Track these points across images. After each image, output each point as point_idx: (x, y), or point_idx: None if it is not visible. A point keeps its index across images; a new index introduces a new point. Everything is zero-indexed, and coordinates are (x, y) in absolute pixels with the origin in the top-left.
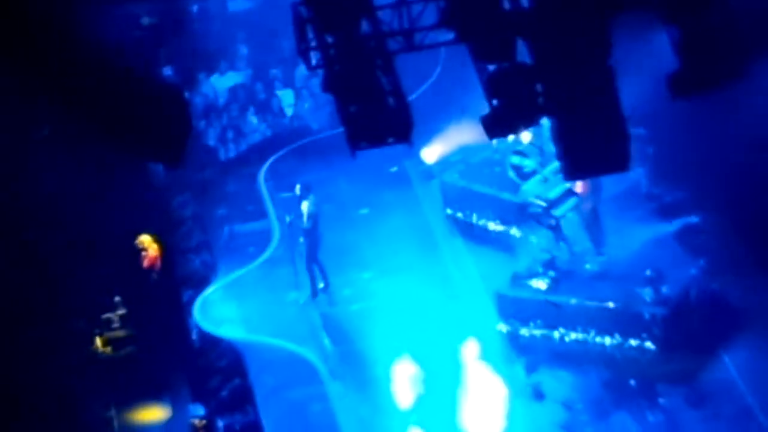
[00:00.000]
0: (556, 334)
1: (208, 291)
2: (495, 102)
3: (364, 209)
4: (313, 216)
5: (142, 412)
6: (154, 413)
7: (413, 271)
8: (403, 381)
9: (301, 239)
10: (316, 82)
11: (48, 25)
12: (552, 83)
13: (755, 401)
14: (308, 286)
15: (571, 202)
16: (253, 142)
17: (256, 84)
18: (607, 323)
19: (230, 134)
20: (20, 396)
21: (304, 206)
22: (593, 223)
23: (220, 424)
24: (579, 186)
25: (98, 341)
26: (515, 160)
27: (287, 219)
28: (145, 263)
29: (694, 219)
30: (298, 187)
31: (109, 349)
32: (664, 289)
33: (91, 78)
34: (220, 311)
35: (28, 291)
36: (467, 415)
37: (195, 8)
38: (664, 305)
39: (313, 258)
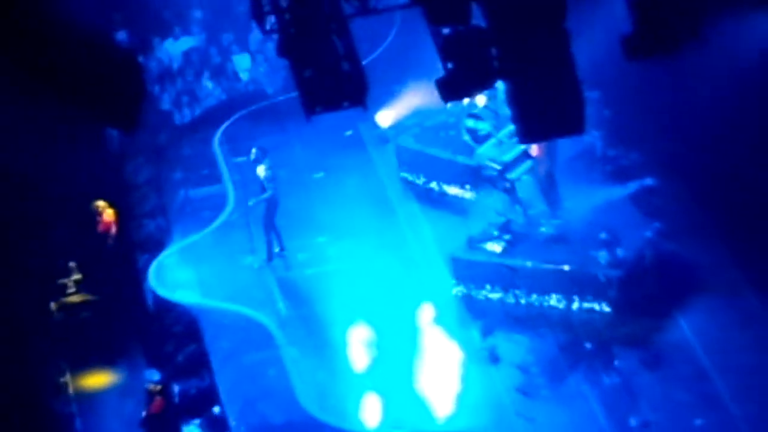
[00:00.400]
0: (512, 298)
1: (163, 255)
2: (450, 65)
3: (319, 173)
4: (271, 180)
5: (96, 377)
6: (109, 378)
7: (368, 235)
8: (359, 345)
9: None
10: (271, 46)
11: None
12: (506, 46)
13: (710, 362)
14: (264, 250)
15: (526, 165)
16: (208, 107)
17: (211, 48)
18: (562, 286)
19: (185, 99)
20: None
21: (260, 170)
22: (549, 187)
23: (176, 389)
24: (534, 149)
25: (53, 306)
26: (470, 123)
27: (250, 203)
28: (100, 228)
29: (649, 181)
30: (254, 151)
31: (63, 314)
32: (620, 252)
33: (44, 42)
34: (175, 276)
35: None
36: (423, 378)
37: None
38: (619, 268)
39: (270, 222)
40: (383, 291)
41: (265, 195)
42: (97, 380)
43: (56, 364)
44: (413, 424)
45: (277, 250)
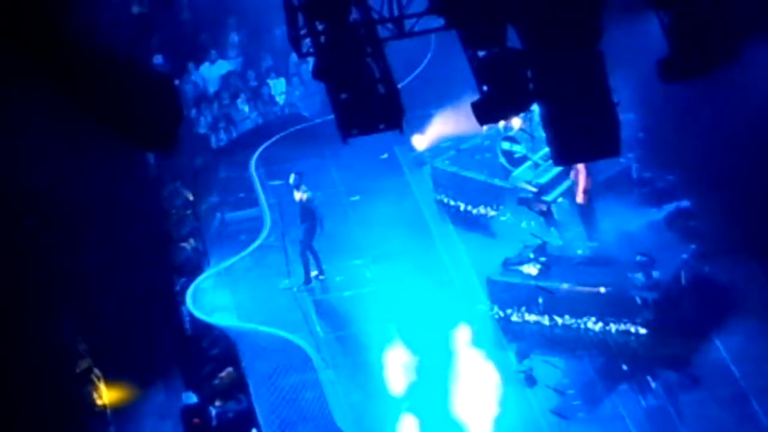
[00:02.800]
0: (548, 320)
1: (201, 279)
2: (485, 88)
3: (355, 196)
4: (311, 203)
5: (134, 399)
6: (147, 401)
7: (405, 257)
8: (396, 367)
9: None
10: (307, 69)
11: (41, 12)
12: (542, 69)
13: (748, 384)
14: (301, 273)
15: (562, 187)
16: (244, 130)
17: (248, 72)
18: (598, 308)
19: (221, 123)
20: (14, 393)
21: (298, 195)
22: (588, 210)
23: (213, 412)
24: (577, 172)
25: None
26: (506, 145)
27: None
28: None
29: (684, 203)
30: (292, 176)
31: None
32: (656, 274)
33: (81, 68)
34: (212, 299)
35: (23, 283)
36: (459, 401)
37: None
38: (655, 289)
39: (307, 245)
40: (420, 313)
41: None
42: (135, 402)
43: (94, 384)
44: None
45: (314, 273)
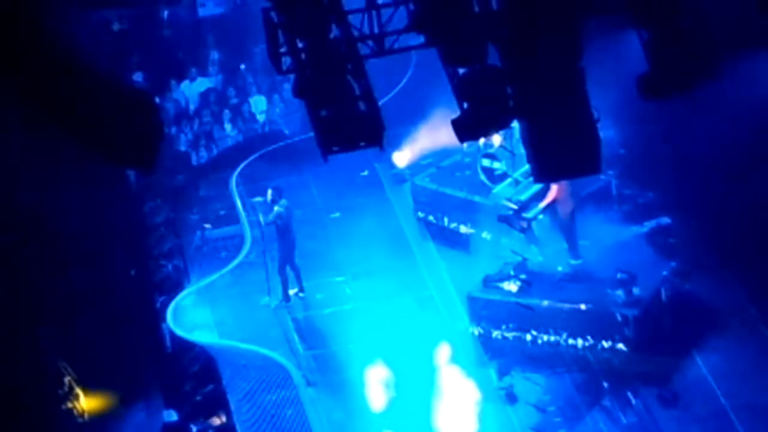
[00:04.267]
0: (528, 337)
1: (181, 296)
2: (465, 105)
3: (335, 213)
4: (284, 217)
5: (115, 417)
6: (127, 419)
7: (385, 275)
8: (376, 385)
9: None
10: (287, 86)
11: (19, 28)
12: (522, 86)
13: (728, 402)
14: (280, 290)
15: (543, 204)
16: (224, 147)
17: (228, 89)
18: (579, 325)
19: (202, 140)
20: None
21: (275, 210)
22: (570, 227)
23: (194, 429)
24: (554, 189)
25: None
26: (486, 162)
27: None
28: None
29: (665, 220)
30: (269, 192)
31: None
32: (636, 291)
33: (62, 83)
34: (192, 316)
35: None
36: (440, 418)
37: (165, 14)
38: (635, 306)
39: (286, 262)
40: (400, 330)
41: (269, 218)
42: (116, 420)
43: (74, 402)
44: None
45: (294, 291)
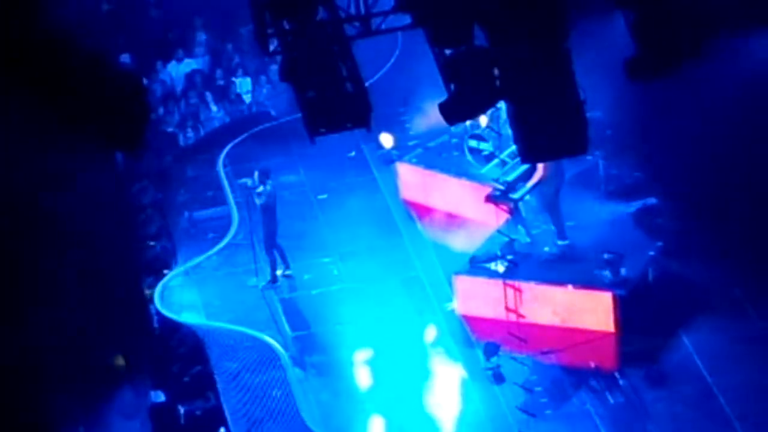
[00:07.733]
0: (515, 317)
1: (169, 277)
2: (452, 86)
3: (323, 194)
4: (268, 196)
5: (102, 399)
6: (115, 400)
7: (373, 255)
8: (364, 365)
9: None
10: (274, 67)
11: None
12: (508, 67)
13: (714, 381)
14: (268, 271)
15: (530, 185)
16: (211, 129)
17: (216, 70)
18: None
19: (189, 121)
20: None
21: (261, 191)
22: (555, 207)
23: (181, 410)
24: (540, 169)
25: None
26: (473, 143)
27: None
28: None
29: (652, 200)
30: (256, 174)
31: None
32: (623, 271)
33: (48, 64)
34: (180, 297)
35: None
36: (427, 398)
37: None
38: (622, 287)
39: (271, 243)
40: (388, 311)
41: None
42: (103, 402)
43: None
44: None
45: (280, 271)
